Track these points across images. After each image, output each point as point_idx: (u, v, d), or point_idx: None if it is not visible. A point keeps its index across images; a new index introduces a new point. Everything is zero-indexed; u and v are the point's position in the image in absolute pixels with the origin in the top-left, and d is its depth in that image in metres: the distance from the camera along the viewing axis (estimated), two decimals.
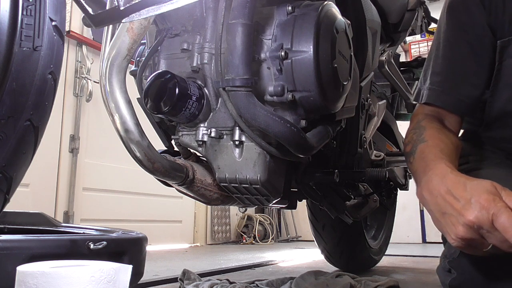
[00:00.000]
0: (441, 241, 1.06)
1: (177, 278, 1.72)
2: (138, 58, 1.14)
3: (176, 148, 1.14)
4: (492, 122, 1.08)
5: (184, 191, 1.07)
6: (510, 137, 1.07)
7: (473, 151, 1.14)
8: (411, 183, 2.13)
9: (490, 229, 0.70)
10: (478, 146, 1.15)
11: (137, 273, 1.17)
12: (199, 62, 1.02)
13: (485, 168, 1.06)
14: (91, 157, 3.42)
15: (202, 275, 1.84)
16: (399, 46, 2.06)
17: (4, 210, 0.97)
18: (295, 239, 5.52)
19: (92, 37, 3.42)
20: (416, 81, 2.16)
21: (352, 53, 1.12)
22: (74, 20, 3.24)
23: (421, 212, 4.77)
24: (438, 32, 1.12)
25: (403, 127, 2.20)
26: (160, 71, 1.00)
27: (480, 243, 0.73)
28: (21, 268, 0.77)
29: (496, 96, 1.04)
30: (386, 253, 2.55)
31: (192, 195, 1.08)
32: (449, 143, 0.99)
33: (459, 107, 1.06)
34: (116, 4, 0.75)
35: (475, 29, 1.04)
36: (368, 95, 1.46)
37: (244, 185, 1.01)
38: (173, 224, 4.20)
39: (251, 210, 5.17)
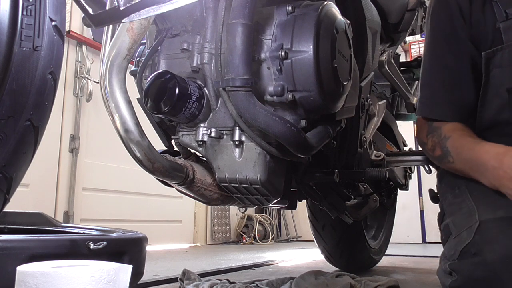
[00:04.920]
0: (441, 241, 1.05)
1: (177, 278, 1.72)
2: (138, 58, 1.14)
3: (176, 148, 1.14)
4: (484, 130, 1.08)
5: (184, 191, 1.07)
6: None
7: None
8: (411, 183, 2.13)
9: None
10: None
11: (137, 273, 1.17)
12: (199, 62, 1.02)
13: None
14: (91, 157, 3.42)
15: (202, 275, 1.84)
16: (399, 46, 2.06)
17: (4, 210, 0.97)
18: (295, 239, 5.52)
19: (92, 37, 3.42)
20: (416, 81, 2.16)
21: (352, 53, 1.12)
22: (74, 20, 3.24)
23: (421, 212, 4.78)
24: (425, 43, 1.13)
25: (403, 127, 2.20)
26: (160, 71, 1.00)
27: None
28: (21, 268, 0.77)
29: (486, 107, 1.04)
30: (386, 253, 2.55)
31: (192, 195, 1.08)
32: (469, 129, 1.00)
33: (456, 114, 1.06)
34: (116, 4, 0.75)
35: (458, 43, 1.04)
36: (368, 95, 1.46)
37: (244, 185, 1.01)
38: (173, 224, 4.20)
39: (251, 210, 5.17)
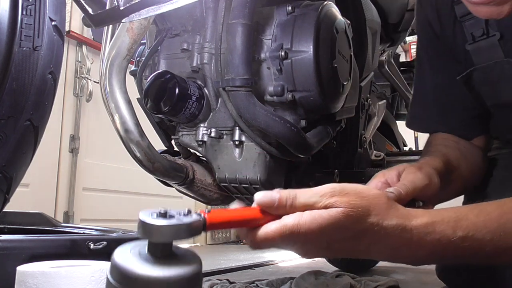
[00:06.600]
0: None
1: None
2: (138, 58, 1.14)
3: (176, 148, 1.14)
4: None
5: (184, 191, 1.07)
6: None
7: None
8: None
9: None
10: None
11: None
12: (199, 62, 1.02)
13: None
14: (91, 157, 3.41)
15: (202, 275, 1.84)
16: (399, 46, 2.06)
17: (4, 210, 0.97)
18: None
19: (92, 37, 3.42)
20: None
21: (352, 53, 1.12)
22: (74, 20, 3.23)
23: None
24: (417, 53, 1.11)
25: (403, 127, 2.20)
26: (160, 71, 1.00)
27: None
28: (21, 268, 0.77)
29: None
30: None
31: (192, 195, 1.08)
32: (453, 142, 0.97)
33: (449, 126, 1.03)
34: (116, 4, 0.75)
35: (441, 62, 1.03)
36: (368, 95, 1.46)
37: (244, 185, 1.01)
38: None
39: None
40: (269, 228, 0.53)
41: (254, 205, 0.55)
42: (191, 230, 0.47)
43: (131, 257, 0.46)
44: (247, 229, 0.55)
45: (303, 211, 0.53)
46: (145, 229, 0.46)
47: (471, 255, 0.59)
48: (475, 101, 0.98)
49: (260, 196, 0.54)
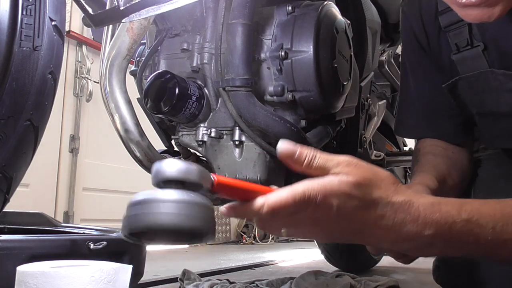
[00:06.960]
0: None
1: (177, 278, 1.71)
2: (138, 58, 1.14)
3: (176, 148, 1.14)
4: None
5: None
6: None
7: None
8: None
9: None
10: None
11: (137, 273, 1.17)
12: (199, 62, 1.02)
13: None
14: (91, 157, 3.42)
15: (202, 275, 1.84)
16: (399, 46, 2.06)
17: (4, 210, 0.97)
18: (295, 239, 5.52)
19: (92, 37, 3.42)
20: None
21: (352, 53, 1.12)
22: (74, 20, 3.23)
23: None
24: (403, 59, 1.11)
25: None
26: (160, 71, 1.00)
27: None
28: (21, 268, 0.77)
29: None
30: (386, 253, 2.54)
31: None
32: (440, 153, 0.98)
33: (436, 133, 1.03)
34: (116, 4, 0.75)
35: (424, 72, 1.03)
36: (368, 95, 1.46)
37: None
38: None
39: None
40: (281, 192, 0.53)
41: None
42: (200, 175, 0.49)
43: (149, 191, 0.48)
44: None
45: (317, 174, 0.54)
46: (159, 167, 0.48)
47: (473, 243, 0.60)
48: (460, 109, 0.99)
49: (283, 144, 0.55)
